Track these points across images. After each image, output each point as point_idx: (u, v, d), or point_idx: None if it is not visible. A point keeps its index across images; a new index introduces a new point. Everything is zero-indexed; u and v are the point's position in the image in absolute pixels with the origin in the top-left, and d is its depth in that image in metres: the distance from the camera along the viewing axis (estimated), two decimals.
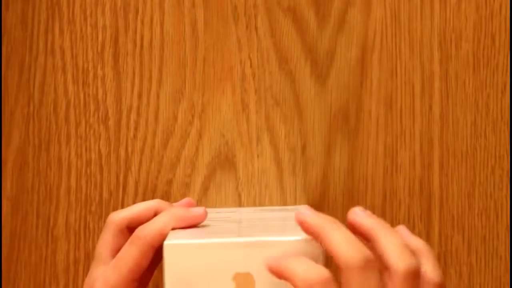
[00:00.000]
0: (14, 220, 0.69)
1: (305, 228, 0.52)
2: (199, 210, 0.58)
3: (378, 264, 0.50)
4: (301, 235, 0.53)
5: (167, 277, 0.53)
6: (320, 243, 0.51)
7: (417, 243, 0.56)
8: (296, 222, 0.53)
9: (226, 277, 0.53)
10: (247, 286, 0.53)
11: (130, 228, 0.60)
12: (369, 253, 0.50)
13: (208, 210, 0.60)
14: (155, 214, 0.60)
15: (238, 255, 0.53)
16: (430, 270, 0.54)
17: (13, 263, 0.69)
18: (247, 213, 0.64)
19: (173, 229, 0.57)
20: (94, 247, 0.68)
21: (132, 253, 0.56)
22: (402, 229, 0.57)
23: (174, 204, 0.64)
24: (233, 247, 0.53)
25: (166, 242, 0.54)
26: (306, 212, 0.53)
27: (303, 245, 0.53)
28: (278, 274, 0.51)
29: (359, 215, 0.54)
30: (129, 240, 0.57)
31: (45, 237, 0.69)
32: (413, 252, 0.55)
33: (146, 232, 0.56)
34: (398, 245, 0.51)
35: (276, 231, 0.54)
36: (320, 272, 0.49)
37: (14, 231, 0.69)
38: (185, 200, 0.65)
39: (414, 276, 0.50)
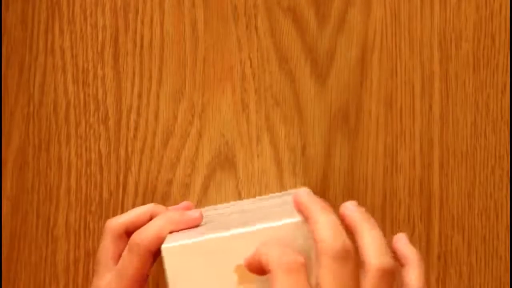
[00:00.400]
0: (14, 220, 0.69)
1: (299, 209, 0.53)
2: (194, 213, 0.58)
3: (357, 258, 0.51)
4: (296, 217, 0.53)
5: (170, 280, 0.53)
6: (309, 225, 0.52)
7: (409, 252, 0.56)
8: (293, 202, 0.53)
9: (227, 270, 0.53)
10: (249, 277, 0.53)
11: (128, 233, 0.60)
12: (350, 243, 0.50)
13: (207, 208, 0.60)
14: (151, 218, 0.60)
15: (236, 247, 0.53)
16: (414, 278, 0.55)
17: (13, 263, 0.69)
18: (246, 204, 0.64)
19: (170, 232, 0.57)
20: (94, 247, 0.68)
21: (132, 260, 0.57)
22: (401, 236, 0.58)
23: (172, 207, 0.64)
24: (230, 240, 0.53)
25: (163, 246, 0.54)
26: (303, 193, 0.53)
27: (299, 226, 0.53)
28: (256, 266, 0.51)
29: (349, 208, 0.55)
30: (127, 248, 0.57)
31: (45, 237, 0.69)
32: (404, 259, 0.55)
33: (143, 236, 0.57)
34: (377, 242, 0.52)
35: (272, 218, 0.55)
36: (293, 257, 0.50)
37: (14, 231, 0.69)
38: (184, 203, 0.65)
39: (388, 275, 0.51)
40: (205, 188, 0.68)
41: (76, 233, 0.69)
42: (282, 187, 0.68)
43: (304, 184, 0.68)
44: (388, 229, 0.67)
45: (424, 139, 0.68)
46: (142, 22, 0.68)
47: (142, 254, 0.56)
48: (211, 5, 0.68)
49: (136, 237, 0.57)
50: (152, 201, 0.68)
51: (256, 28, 0.68)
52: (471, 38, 0.68)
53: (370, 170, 0.68)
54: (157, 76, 0.68)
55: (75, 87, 0.69)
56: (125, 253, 0.57)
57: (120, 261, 0.57)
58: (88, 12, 0.68)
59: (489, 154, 0.68)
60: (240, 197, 0.68)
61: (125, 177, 0.69)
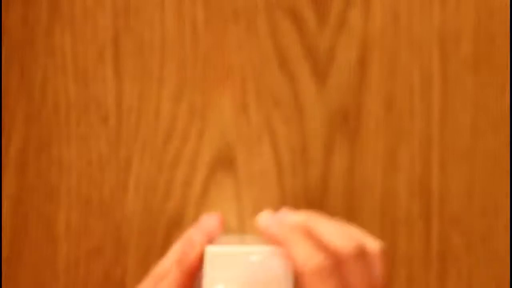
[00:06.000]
0: (14, 220, 0.69)
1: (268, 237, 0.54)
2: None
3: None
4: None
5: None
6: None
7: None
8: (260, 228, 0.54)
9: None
10: None
11: None
12: (324, 257, 0.51)
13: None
14: None
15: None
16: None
17: (13, 263, 0.69)
18: None
19: None
20: (94, 247, 0.68)
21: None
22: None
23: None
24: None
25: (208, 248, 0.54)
26: (268, 220, 0.54)
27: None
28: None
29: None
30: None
31: (45, 237, 0.69)
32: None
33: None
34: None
35: None
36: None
37: (15, 231, 0.69)
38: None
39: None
40: (205, 188, 0.69)
41: (76, 233, 0.69)
42: (282, 188, 0.68)
43: (304, 184, 0.68)
44: (388, 229, 0.67)
45: (424, 139, 0.68)
46: (142, 22, 0.68)
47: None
48: (211, 5, 0.68)
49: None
50: (152, 201, 0.68)
51: (256, 28, 0.68)
52: (471, 38, 0.68)
53: (370, 170, 0.68)
54: (157, 76, 0.69)
55: (76, 87, 0.69)
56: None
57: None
58: (88, 12, 0.69)
59: (489, 154, 0.67)
60: (240, 198, 0.68)
61: (125, 177, 0.69)
